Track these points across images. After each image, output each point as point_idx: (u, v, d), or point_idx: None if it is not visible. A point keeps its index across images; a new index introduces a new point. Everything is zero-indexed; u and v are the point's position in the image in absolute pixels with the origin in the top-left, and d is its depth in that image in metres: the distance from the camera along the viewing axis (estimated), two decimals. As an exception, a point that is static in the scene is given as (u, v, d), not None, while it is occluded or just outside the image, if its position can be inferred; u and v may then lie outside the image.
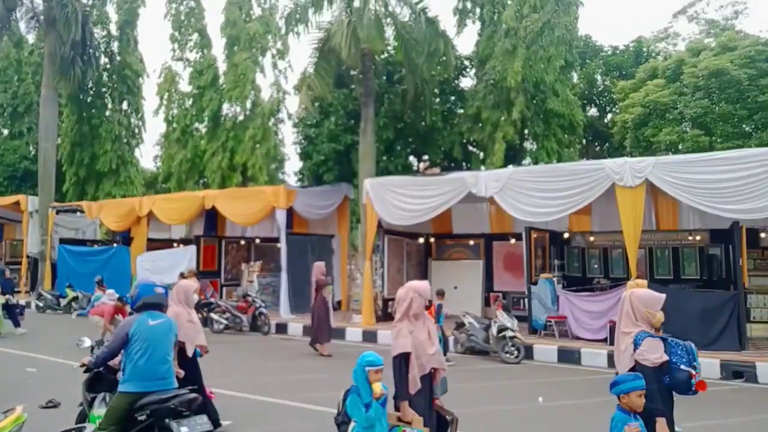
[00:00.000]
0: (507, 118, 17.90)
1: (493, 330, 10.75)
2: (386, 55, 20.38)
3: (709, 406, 6.91)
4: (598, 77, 28.72)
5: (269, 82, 41.11)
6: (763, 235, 12.91)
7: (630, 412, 3.48)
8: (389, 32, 18.52)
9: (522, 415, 7.16)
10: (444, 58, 18.14)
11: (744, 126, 20.30)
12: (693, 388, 3.82)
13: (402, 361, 4.27)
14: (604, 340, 11.04)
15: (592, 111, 29.17)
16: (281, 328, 14.27)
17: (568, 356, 10.76)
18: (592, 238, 14.71)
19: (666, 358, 3.86)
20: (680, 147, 20.26)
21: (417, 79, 17.88)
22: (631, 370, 3.92)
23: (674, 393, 3.94)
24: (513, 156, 19.66)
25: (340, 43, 15.48)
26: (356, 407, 4.20)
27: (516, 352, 10.53)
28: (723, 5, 28.50)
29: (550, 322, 12.15)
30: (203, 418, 4.81)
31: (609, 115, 27.79)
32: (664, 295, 4.24)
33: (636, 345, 3.94)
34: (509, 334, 10.57)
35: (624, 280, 11.24)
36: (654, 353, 3.86)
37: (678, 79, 21.59)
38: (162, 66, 24.77)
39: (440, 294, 10.29)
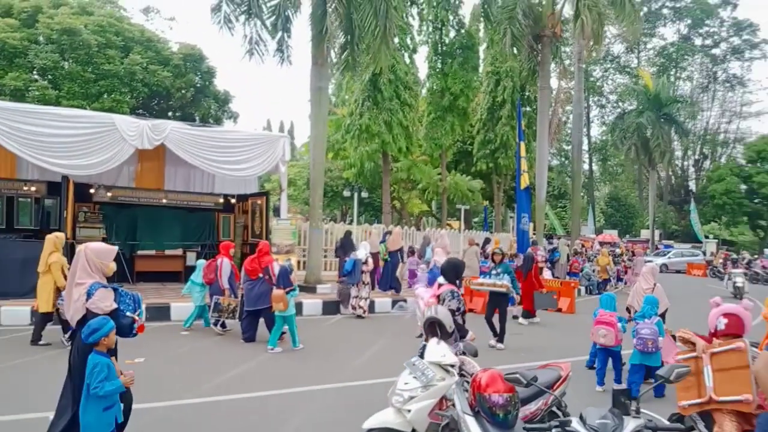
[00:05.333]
0: None
1: None
2: None
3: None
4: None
5: None
6: (92, 190, 14.19)
7: (105, 353, 3.82)
8: None
9: None
10: None
11: (90, 88, 21.46)
12: (134, 331, 4.28)
13: None
14: None
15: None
16: None
17: None
18: None
19: (115, 305, 4.18)
20: (27, 96, 19.65)
21: None
22: (82, 318, 4.07)
23: (116, 336, 4.22)
24: None
25: None
26: None
27: None
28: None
29: None
30: None
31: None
32: (116, 248, 4.54)
33: (89, 294, 4.13)
34: None
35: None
36: (105, 302, 4.12)
37: (33, 25, 20.84)
38: None
39: None
